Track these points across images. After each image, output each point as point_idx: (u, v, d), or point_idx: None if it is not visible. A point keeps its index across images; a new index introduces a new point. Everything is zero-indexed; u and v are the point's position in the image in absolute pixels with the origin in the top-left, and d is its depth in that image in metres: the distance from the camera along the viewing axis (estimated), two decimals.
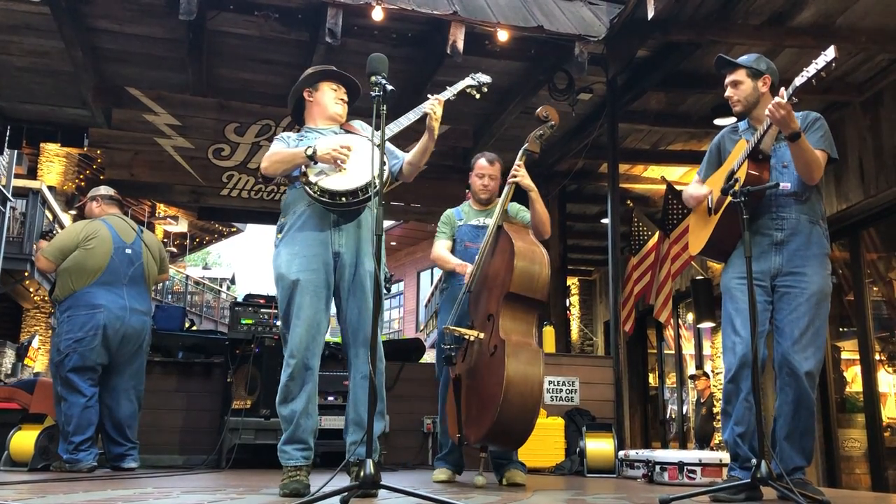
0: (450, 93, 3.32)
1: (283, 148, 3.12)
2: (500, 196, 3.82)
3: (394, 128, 3.14)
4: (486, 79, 3.49)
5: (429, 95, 3.18)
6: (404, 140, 3.41)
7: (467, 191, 4.37)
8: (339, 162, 2.96)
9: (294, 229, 3.06)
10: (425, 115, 3.14)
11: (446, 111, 3.27)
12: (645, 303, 8.03)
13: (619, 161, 6.33)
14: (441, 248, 3.96)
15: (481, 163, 3.99)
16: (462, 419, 3.54)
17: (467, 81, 3.45)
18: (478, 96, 3.52)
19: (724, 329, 3.13)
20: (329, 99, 3.23)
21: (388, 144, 3.21)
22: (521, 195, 3.78)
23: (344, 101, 3.27)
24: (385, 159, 3.19)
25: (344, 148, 2.99)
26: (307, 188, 2.98)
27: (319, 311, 3.01)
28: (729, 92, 3.18)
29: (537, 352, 3.38)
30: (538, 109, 3.79)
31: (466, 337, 3.53)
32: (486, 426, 3.29)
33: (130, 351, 4.53)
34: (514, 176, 3.68)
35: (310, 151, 2.96)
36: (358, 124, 3.33)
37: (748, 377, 2.94)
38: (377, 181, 2.68)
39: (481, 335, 3.48)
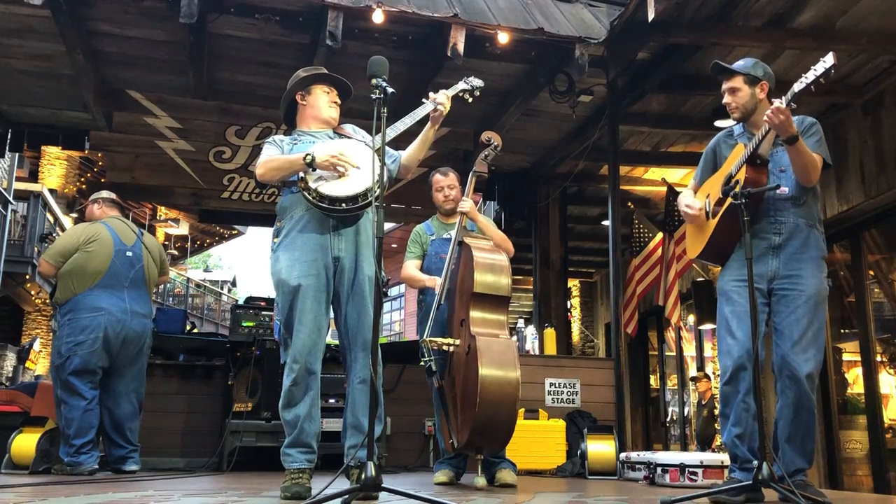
0: (450, 93, 3.33)
1: (276, 153, 3.10)
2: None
3: (391, 133, 3.11)
4: (478, 83, 3.54)
5: (423, 101, 3.21)
6: (402, 141, 3.41)
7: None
8: (338, 169, 2.95)
9: (293, 234, 3.04)
10: (426, 115, 3.18)
11: (447, 114, 3.27)
12: (652, 303, 8.02)
13: (619, 163, 6.33)
14: (411, 268, 4.09)
15: (437, 178, 4.13)
16: (451, 426, 3.62)
17: (461, 85, 3.49)
18: (470, 100, 3.56)
19: (719, 332, 3.14)
20: (322, 102, 3.23)
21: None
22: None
23: (337, 105, 3.27)
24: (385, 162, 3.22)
25: (342, 154, 2.98)
26: (306, 193, 2.95)
27: (320, 315, 3.01)
28: (727, 99, 3.17)
29: (509, 343, 3.54)
30: (482, 135, 3.99)
31: (445, 347, 3.63)
32: (469, 421, 3.35)
33: (131, 354, 4.53)
34: (463, 209, 3.86)
35: (308, 158, 2.93)
36: (350, 128, 3.32)
37: (744, 379, 2.95)
38: (377, 187, 2.67)
39: (457, 341, 3.62)
